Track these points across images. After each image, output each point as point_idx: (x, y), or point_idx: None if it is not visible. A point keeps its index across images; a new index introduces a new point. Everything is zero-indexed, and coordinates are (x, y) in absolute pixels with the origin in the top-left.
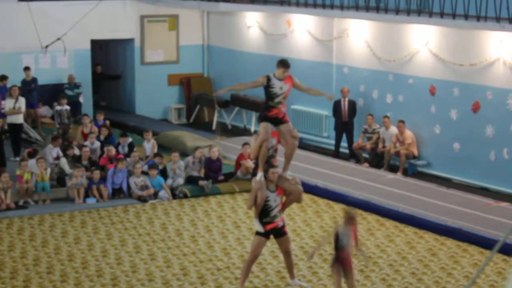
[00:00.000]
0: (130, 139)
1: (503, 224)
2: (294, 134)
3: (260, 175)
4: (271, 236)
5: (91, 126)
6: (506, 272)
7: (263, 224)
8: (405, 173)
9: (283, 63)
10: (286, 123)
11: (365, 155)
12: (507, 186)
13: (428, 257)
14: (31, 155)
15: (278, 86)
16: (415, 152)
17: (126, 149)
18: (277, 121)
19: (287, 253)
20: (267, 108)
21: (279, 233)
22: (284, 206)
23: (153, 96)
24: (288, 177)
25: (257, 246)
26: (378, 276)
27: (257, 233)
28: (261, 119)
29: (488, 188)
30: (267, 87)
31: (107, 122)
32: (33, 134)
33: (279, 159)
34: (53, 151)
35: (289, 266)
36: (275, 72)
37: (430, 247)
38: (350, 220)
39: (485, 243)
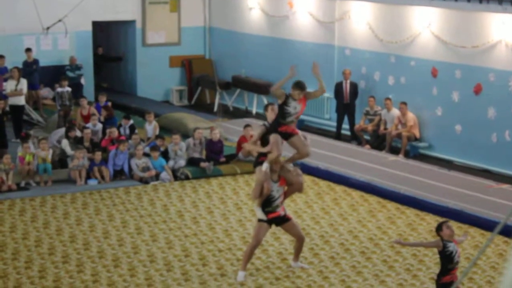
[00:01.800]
0: (131, 121)
1: (505, 206)
2: (298, 172)
3: (266, 166)
4: (273, 226)
5: (89, 107)
6: (507, 254)
7: (265, 213)
8: (407, 155)
9: (300, 86)
10: (297, 135)
11: (367, 137)
12: (509, 168)
13: (429, 238)
14: (23, 138)
15: (292, 106)
16: (417, 134)
17: (127, 131)
18: (287, 136)
19: (299, 237)
20: (278, 124)
21: (282, 220)
22: (285, 196)
23: (155, 78)
24: (289, 168)
25: (260, 232)
26: (379, 257)
27: (260, 220)
28: (271, 132)
29: (489, 170)
30: (283, 104)
31: (109, 104)
32: (35, 115)
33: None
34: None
35: (297, 249)
36: (290, 91)
37: (432, 229)
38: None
39: (486, 225)
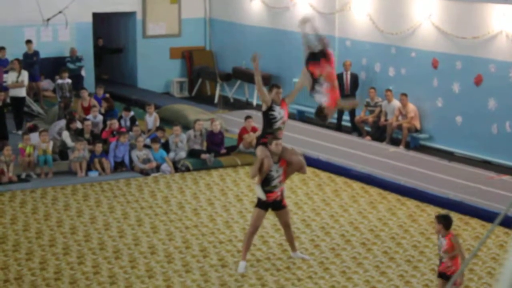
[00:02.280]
0: (132, 113)
1: (505, 197)
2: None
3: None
4: (270, 213)
5: (90, 99)
6: (508, 245)
7: (265, 191)
8: (407, 146)
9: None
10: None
11: (367, 128)
12: (509, 159)
13: (430, 230)
14: (32, 130)
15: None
16: (417, 126)
17: (128, 122)
18: (276, 206)
19: (287, 226)
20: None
21: (279, 206)
22: (286, 176)
23: (155, 70)
24: (289, 148)
25: (257, 218)
26: (380, 249)
27: (257, 205)
28: (258, 204)
29: (490, 161)
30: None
31: (107, 95)
32: (35, 107)
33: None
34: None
35: (290, 239)
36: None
37: (432, 220)
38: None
39: (487, 216)
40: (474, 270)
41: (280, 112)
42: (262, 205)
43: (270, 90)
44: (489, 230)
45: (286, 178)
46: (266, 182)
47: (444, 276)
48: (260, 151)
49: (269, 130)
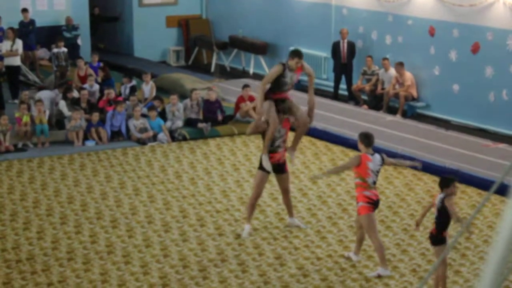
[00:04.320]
0: (134, 82)
1: (501, 165)
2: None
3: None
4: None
5: (86, 68)
6: (503, 213)
7: (276, 93)
8: (404, 115)
9: (298, 54)
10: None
11: (364, 97)
12: (506, 127)
13: (427, 198)
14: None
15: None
16: (414, 94)
17: (128, 91)
18: (278, 169)
19: (286, 191)
20: (272, 91)
21: (281, 170)
22: (295, 140)
23: (152, 38)
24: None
25: (261, 181)
26: (377, 218)
27: (260, 167)
28: (260, 166)
29: (486, 130)
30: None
31: (101, 64)
32: (31, 76)
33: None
34: (45, 93)
35: (288, 204)
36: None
37: (429, 188)
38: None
39: (483, 184)
40: (471, 239)
41: (292, 77)
42: (264, 167)
43: (291, 58)
44: (484, 198)
45: (296, 144)
46: (278, 87)
47: (432, 238)
48: (268, 104)
49: (277, 90)
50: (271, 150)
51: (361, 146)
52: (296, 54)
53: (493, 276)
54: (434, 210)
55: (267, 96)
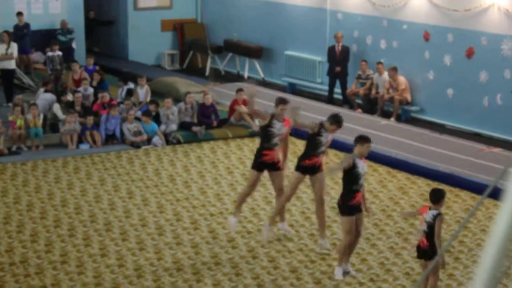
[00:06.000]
0: (130, 85)
1: (496, 169)
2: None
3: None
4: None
5: (81, 71)
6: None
7: (265, 148)
8: (399, 119)
9: (282, 100)
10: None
11: (359, 101)
12: (500, 131)
13: (421, 202)
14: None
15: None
16: (409, 98)
17: (124, 93)
18: (271, 167)
19: (280, 190)
20: (260, 153)
21: (274, 167)
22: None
23: (146, 42)
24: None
25: (255, 180)
26: (370, 221)
27: (253, 167)
28: (254, 165)
29: (481, 134)
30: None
31: (97, 67)
32: (26, 80)
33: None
34: (46, 95)
35: (280, 208)
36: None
37: (423, 192)
38: None
39: (477, 188)
40: (464, 242)
41: (280, 129)
42: (259, 166)
43: (276, 105)
44: (478, 202)
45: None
46: (267, 139)
47: (419, 250)
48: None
49: (266, 144)
50: (268, 147)
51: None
52: (280, 101)
53: (486, 280)
54: (422, 223)
55: (260, 159)
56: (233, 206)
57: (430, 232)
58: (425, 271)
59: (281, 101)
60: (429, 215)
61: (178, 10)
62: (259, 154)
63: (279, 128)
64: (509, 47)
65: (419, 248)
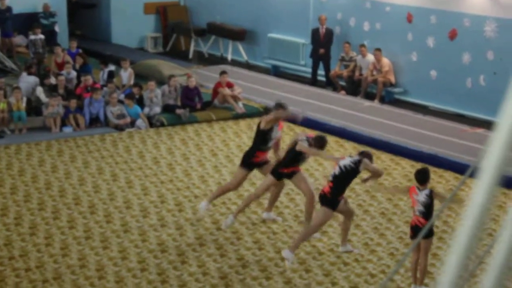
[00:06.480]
0: (111, 68)
1: (479, 150)
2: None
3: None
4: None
5: (64, 55)
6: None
7: (259, 150)
8: (382, 100)
9: (283, 106)
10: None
11: (342, 83)
12: (483, 112)
13: (404, 183)
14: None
15: (275, 131)
16: (392, 80)
17: (105, 75)
18: (261, 166)
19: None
20: (253, 154)
21: (263, 165)
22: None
23: (129, 25)
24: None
25: (242, 178)
26: (354, 201)
27: (242, 164)
28: (244, 164)
29: (464, 115)
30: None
31: (80, 51)
32: (8, 63)
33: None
34: (29, 78)
35: (274, 197)
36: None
37: (406, 173)
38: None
39: (460, 168)
40: (448, 222)
41: (277, 132)
42: (249, 165)
43: (277, 109)
44: (460, 181)
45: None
46: (264, 142)
47: (417, 230)
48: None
49: (261, 146)
50: (262, 149)
51: None
52: (281, 105)
53: (456, 267)
54: (415, 205)
55: (252, 160)
56: (217, 187)
57: (427, 211)
58: (412, 245)
59: (281, 107)
60: (422, 195)
61: None
62: (252, 154)
63: (276, 132)
64: (492, 28)
65: (416, 228)
